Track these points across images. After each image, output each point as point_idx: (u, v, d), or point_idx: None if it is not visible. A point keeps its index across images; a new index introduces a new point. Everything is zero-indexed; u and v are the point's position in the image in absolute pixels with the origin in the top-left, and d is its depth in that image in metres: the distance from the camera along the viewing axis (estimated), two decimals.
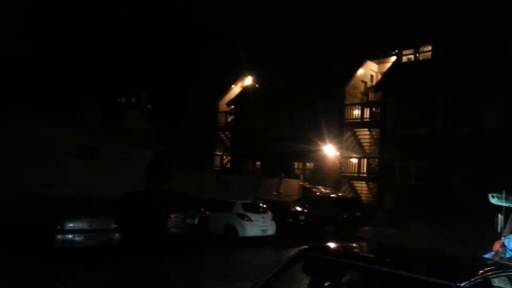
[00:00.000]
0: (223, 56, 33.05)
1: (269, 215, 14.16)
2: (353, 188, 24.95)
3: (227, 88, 32.57)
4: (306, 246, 4.45)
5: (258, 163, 28.60)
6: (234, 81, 32.44)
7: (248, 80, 31.29)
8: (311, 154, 25.04)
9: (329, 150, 24.29)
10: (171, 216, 11.70)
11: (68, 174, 15.15)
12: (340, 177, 24.56)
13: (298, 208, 16.60)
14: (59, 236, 9.61)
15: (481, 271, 3.60)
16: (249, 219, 13.43)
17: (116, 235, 10.32)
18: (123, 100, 36.98)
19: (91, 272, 8.91)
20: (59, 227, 9.66)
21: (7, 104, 17.43)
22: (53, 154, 15.08)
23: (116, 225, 10.42)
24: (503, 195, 7.49)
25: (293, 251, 3.99)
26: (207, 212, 12.81)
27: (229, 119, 31.66)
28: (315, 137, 24.73)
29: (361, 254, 4.34)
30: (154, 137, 21.74)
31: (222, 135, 32.30)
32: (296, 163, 26.80)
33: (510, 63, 18.91)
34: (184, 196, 13.32)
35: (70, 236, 9.76)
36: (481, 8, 23.74)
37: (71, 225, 9.84)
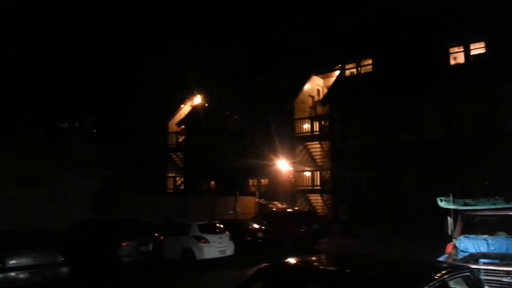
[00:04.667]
0: (170, 76, 32.68)
1: (227, 235, 13.89)
2: (308, 201, 25.22)
3: (177, 108, 32.15)
4: (266, 264, 4.34)
5: (212, 182, 28.24)
6: (183, 100, 32.10)
7: (197, 99, 31.06)
8: (265, 170, 25.12)
9: (283, 165, 24.47)
10: (123, 244, 11.14)
11: (7, 206, 14.11)
12: (295, 191, 24.76)
13: (256, 225, 16.45)
14: (0, 275, 8.81)
15: (438, 275, 3.65)
16: (206, 241, 13.09)
17: (64, 269, 9.63)
18: (66, 125, 35.41)
19: None
20: (0, 265, 8.87)
21: None
22: None
23: (63, 259, 9.74)
24: (451, 198, 7.79)
25: (253, 270, 3.85)
26: (162, 237, 12.34)
27: (180, 139, 31.15)
28: (268, 153, 24.87)
29: (321, 267, 4.31)
30: (101, 162, 20.87)
31: (174, 156, 31.67)
32: (250, 180, 26.74)
33: (442, 72, 20.14)
34: (136, 222, 12.75)
35: (13, 274, 8.97)
36: (415, 21, 25.22)
37: (14, 261, 9.06)
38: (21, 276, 9.05)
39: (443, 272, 3.76)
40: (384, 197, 20.68)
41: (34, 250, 9.47)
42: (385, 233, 18.93)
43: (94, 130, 34.84)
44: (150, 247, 11.70)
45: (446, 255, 7.54)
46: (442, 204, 7.86)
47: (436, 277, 3.55)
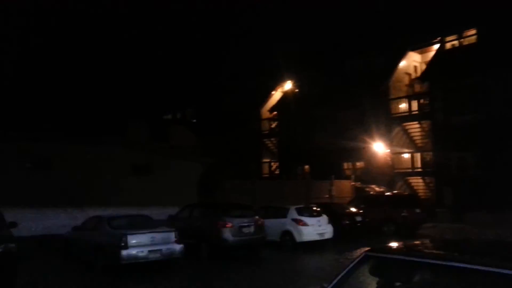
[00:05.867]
0: (260, 63, 33.29)
1: (325, 218, 13.97)
2: (408, 185, 24.17)
3: (268, 95, 32.72)
4: (369, 247, 4.36)
5: (306, 166, 28.40)
6: (274, 87, 32.54)
7: (288, 85, 31.27)
8: (360, 152, 24.57)
9: (379, 147, 23.72)
10: (228, 225, 11.86)
11: (125, 192, 15.81)
12: (394, 174, 23.88)
13: (353, 209, 16.28)
14: (124, 252, 9.90)
15: None
16: (305, 224, 13.33)
17: (178, 247, 10.55)
18: (169, 117, 38.13)
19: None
20: (123, 243, 9.96)
21: (61, 129, 18.44)
22: (109, 174, 15.81)
23: (176, 238, 10.67)
24: None
25: (357, 253, 3.91)
26: (263, 220, 12.87)
27: (273, 125, 31.75)
28: (363, 135, 24.26)
29: (429, 251, 4.21)
30: (202, 150, 22.26)
31: (268, 142, 32.42)
32: (345, 164, 26.38)
33: None
34: (238, 205, 13.45)
35: (134, 251, 10.03)
36: None
37: (134, 241, 10.12)
38: (141, 254, 10.10)
39: None
40: (495, 179, 19.01)
41: (151, 231, 10.51)
42: (495, 217, 17.46)
43: (194, 120, 37.02)
44: (252, 228, 12.27)
45: None
46: None
47: None
